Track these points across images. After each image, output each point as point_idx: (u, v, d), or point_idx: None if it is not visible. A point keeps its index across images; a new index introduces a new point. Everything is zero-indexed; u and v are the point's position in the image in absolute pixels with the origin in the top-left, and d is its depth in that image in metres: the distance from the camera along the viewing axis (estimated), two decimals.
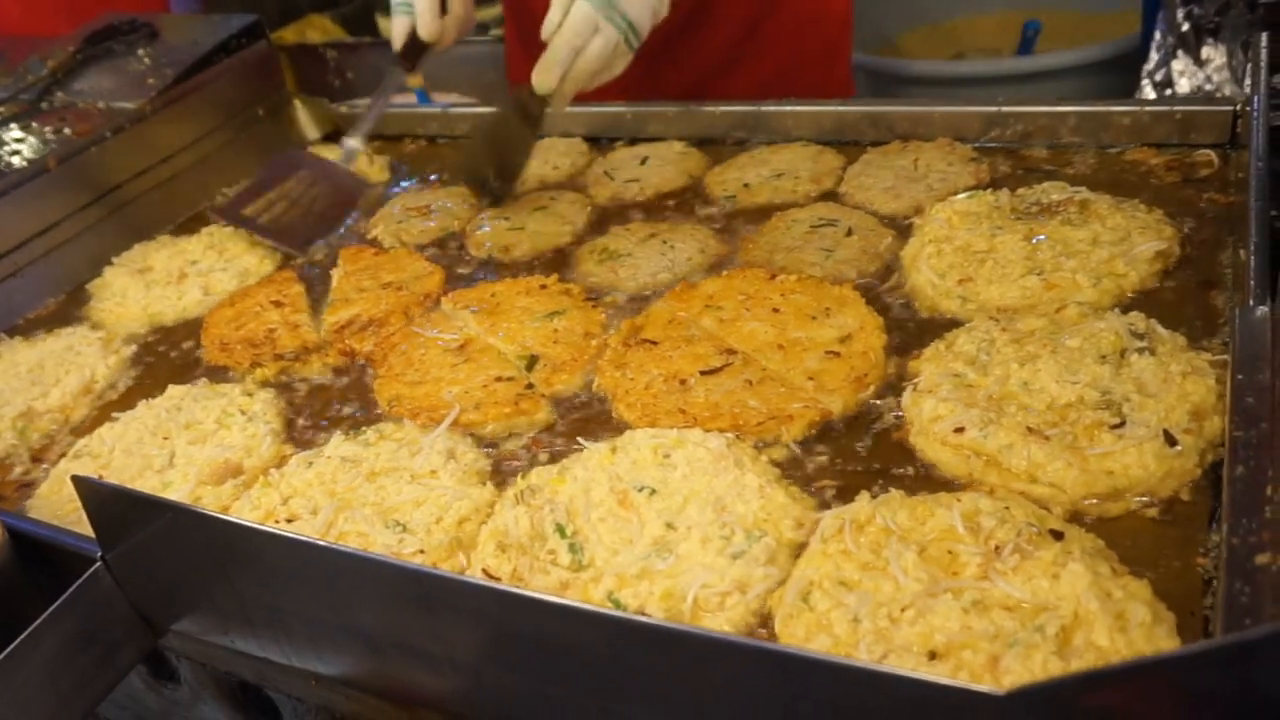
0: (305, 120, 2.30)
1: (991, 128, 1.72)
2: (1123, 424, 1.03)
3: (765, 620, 0.96)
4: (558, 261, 1.67)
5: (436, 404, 1.31)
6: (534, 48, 1.67)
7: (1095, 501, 1.00)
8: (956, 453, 1.08)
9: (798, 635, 0.91)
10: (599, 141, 2.04)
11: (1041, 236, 1.37)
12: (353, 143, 1.93)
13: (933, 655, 0.84)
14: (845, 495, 1.08)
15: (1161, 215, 1.38)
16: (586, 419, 1.28)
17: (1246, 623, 0.74)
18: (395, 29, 1.84)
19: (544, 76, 1.62)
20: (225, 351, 1.55)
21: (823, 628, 0.90)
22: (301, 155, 2.02)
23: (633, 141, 2.00)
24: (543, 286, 1.55)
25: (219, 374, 1.53)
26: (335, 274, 1.70)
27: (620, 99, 2.03)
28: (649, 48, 1.69)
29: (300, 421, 1.39)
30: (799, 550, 1.01)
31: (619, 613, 0.87)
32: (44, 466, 1.40)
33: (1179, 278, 1.30)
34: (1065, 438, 1.03)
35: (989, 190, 1.52)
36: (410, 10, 1.81)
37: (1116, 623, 0.83)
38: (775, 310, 1.36)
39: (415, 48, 1.83)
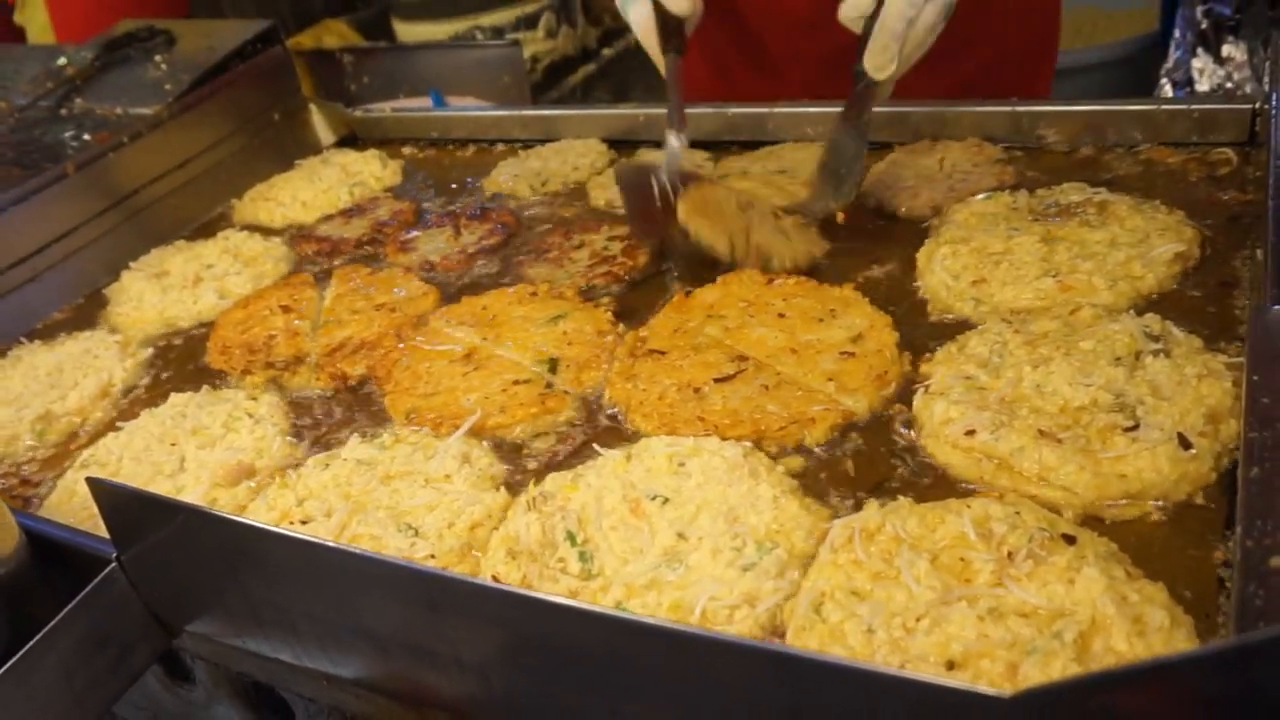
0: (321, 125, 2.32)
1: (1008, 127, 1.70)
2: (1136, 427, 1.02)
3: (774, 634, 0.95)
4: None
5: (458, 412, 1.30)
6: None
7: (1108, 505, 0.99)
8: (967, 455, 1.07)
9: (811, 648, 0.90)
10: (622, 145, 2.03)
11: (1058, 238, 1.36)
12: (675, 142, 1.66)
13: (950, 665, 0.83)
14: (861, 501, 1.07)
15: (1182, 216, 1.36)
16: (605, 429, 1.28)
17: (1260, 626, 0.73)
18: (636, 17, 1.62)
19: (881, 58, 1.41)
20: (225, 355, 1.56)
21: (837, 639, 0.89)
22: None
23: (660, 145, 1.97)
24: (533, 294, 1.54)
25: (226, 378, 1.54)
26: (327, 294, 1.69)
27: (809, 95, 1.91)
28: (849, 42, 1.53)
29: (309, 420, 1.40)
30: (811, 562, 1.00)
31: (628, 615, 0.87)
32: (59, 470, 1.42)
33: (1197, 278, 1.28)
34: (1078, 441, 1.02)
35: (1007, 191, 1.51)
36: None
37: (1135, 627, 0.82)
38: (780, 315, 1.35)
39: (669, 28, 1.61)
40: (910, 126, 1.78)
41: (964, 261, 1.37)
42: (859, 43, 1.44)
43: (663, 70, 1.64)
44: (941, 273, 1.37)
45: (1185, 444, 0.99)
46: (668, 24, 1.61)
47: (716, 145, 1.93)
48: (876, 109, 1.78)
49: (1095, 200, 1.43)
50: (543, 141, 2.10)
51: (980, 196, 1.52)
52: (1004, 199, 1.49)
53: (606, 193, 1.84)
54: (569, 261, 1.65)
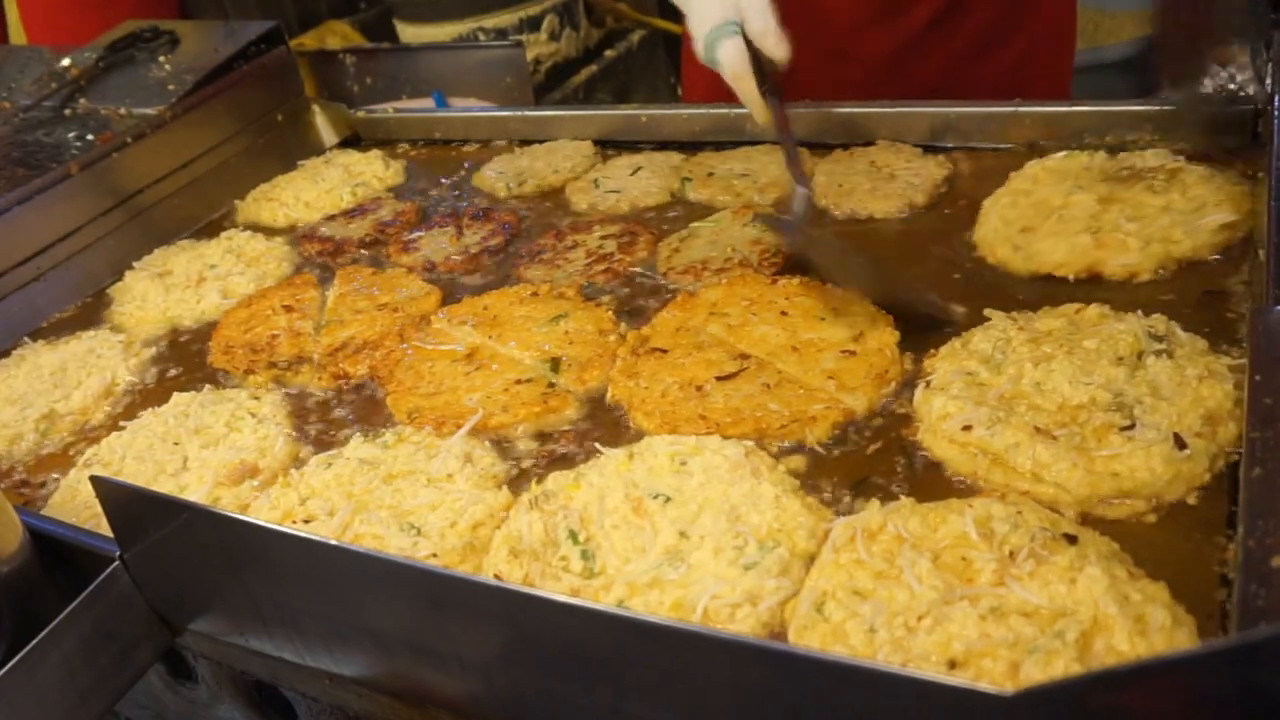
0: (324, 125, 2.32)
1: (1012, 128, 1.70)
2: (1133, 426, 1.02)
3: (775, 633, 0.95)
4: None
5: (461, 411, 1.30)
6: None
7: (1100, 502, 1.00)
8: (963, 451, 1.08)
9: (813, 647, 0.90)
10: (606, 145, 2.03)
11: (1117, 200, 1.38)
12: (804, 191, 1.51)
13: (952, 664, 0.83)
14: (862, 500, 1.07)
15: (1247, 189, 1.36)
16: (607, 427, 1.28)
17: (1262, 625, 0.73)
18: (728, 58, 1.48)
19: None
20: (228, 355, 1.56)
21: (838, 638, 0.89)
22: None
23: (636, 147, 1.98)
24: (534, 294, 1.54)
25: (228, 378, 1.55)
26: (330, 294, 1.69)
27: (862, 95, 1.88)
28: (902, 40, 1.53)
29: (312, 420, 1.40)
30: (813, 561, 1.00)
31: (630, 613, 0.87)
32: (63, 469, 1.42)
33: (1201, 280, 1.28)
34: (1073, 438, 1.02)
35: (1086, 152, 1.54)
36: (739, 30, 1.48)
37: (1136, 626, 0.83)
38: (783, 314, 1.36)
39: (763, 69, 1.50)
40: (914, 132, 1.78)
41: (1020, 210, 1.42)
42: None
43: (758, 116, 1.52)
44: (996, 219, 1.43)
45: (1180, 444, 0.99)
46: (761, 65, 1.50)
47: (697, 145, 1.94)
48: (862, 110, 1.78)
49: (1168, 167, 1.45)
50: (541, 142, 2.10)
51: (1060, 155, 1.54)
52: (1080, 158, 1.52)
53: (588, 196, 1.84)
54: (565, 262, 1.65)
